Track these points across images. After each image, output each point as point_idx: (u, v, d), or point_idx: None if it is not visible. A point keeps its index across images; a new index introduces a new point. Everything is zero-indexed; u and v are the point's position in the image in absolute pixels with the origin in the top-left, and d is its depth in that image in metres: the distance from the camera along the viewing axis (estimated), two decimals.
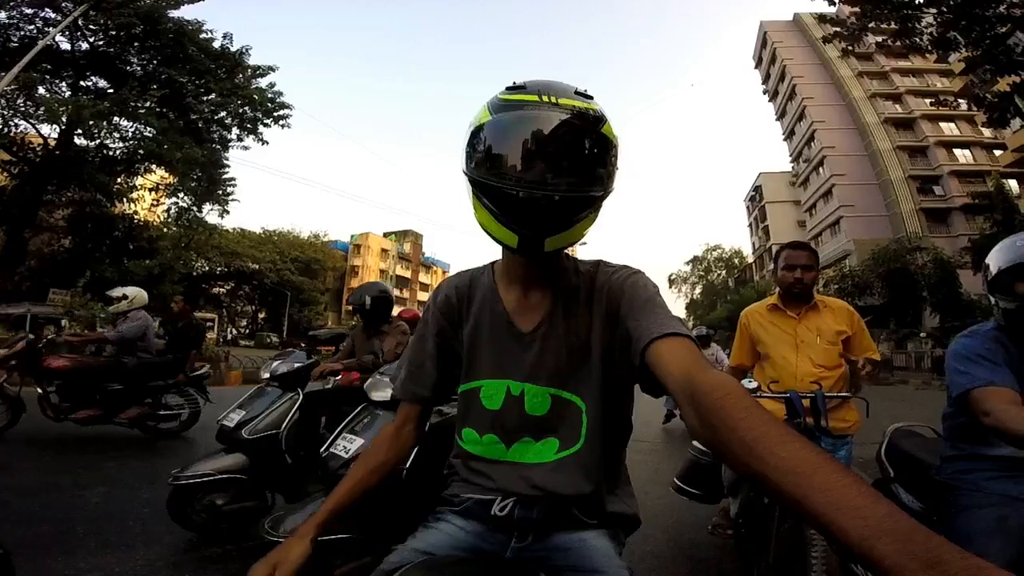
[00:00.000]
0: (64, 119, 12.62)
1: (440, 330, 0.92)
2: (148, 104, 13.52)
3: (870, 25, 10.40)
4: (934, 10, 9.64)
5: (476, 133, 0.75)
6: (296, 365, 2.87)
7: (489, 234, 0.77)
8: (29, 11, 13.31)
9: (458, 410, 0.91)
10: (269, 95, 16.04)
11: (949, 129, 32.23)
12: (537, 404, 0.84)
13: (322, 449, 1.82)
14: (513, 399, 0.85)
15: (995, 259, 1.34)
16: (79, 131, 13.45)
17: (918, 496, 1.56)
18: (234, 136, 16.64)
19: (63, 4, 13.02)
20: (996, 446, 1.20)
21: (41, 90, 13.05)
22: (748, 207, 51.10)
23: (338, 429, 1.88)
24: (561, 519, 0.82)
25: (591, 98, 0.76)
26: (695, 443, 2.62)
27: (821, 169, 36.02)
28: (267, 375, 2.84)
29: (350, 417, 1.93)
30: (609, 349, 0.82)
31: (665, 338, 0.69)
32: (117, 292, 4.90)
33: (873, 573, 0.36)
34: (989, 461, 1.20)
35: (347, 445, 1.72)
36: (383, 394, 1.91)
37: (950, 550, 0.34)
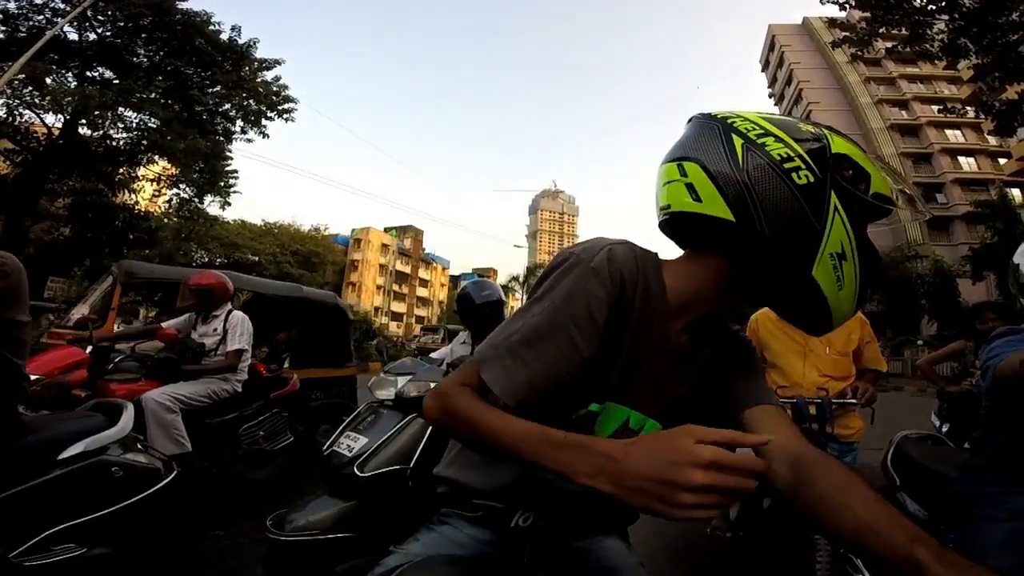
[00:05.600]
0: (69, 109, 12.59)
1: (609, 315, 0.65)
2: (153, 95, 13.47)
3: (881, 31, 10.34)
4: (946, 16, 9.58)
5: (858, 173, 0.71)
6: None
7: (822, 290, 0.66)
8: (38, 1, 13.29)
9: None
10: (274, 88, 16.01)
11: (954, 136, 32.13)
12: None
13: (324, 447, 1.80)
14: (628, 431, 0.70)
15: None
16: (83, 121, 13.42)
17: (925, 505, 1.54)
18: (238, 129, 16.63)
19: None
20: None
21: (47, 80, 13.02)
22: None
23: (341, 427, 1.86)
24: (578, 524, 0.82)
25: None
26: None
27: None
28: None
29: (353, 415, 1.92)
30: (703, 400, 0.77)
31: (764, 405, 0.72)
32: None
33: None
34: (1015, 474, 1.16)
35: (351, 444, 1.70)
36: (387, 392, 1.90)
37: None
